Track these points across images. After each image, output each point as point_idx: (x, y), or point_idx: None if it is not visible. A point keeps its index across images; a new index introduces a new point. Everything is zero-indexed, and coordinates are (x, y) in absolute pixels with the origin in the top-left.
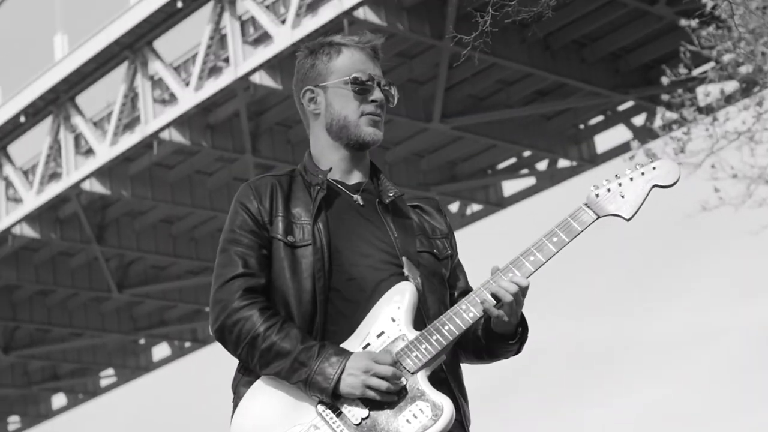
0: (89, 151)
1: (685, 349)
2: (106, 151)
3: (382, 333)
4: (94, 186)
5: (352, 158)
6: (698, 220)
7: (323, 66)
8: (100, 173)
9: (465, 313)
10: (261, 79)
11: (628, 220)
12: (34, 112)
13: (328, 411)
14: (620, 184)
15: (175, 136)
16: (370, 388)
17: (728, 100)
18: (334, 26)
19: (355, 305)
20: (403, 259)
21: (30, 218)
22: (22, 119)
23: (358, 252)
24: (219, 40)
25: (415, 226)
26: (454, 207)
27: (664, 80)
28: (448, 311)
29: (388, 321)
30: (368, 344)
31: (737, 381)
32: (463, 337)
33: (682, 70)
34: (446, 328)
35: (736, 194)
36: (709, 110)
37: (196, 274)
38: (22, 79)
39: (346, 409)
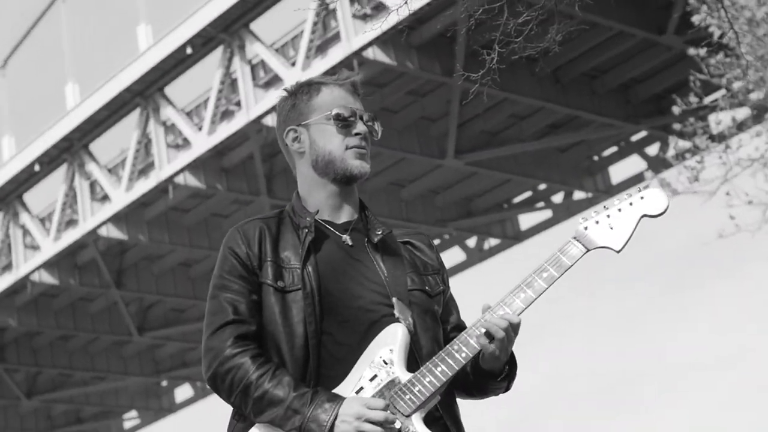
0: (105, 198)
1: (706, 372)
2: (121, 196)
3: (375, 377)
4: (111, 231)
5: (340, 193)
6: (715, 247)
7: (304, 105)
8: (116, 219)
9: (457, 354)
10: (273, 121)
11: (617, 251)
12: (48, 161)
13: None
14: (609, 216)
15: (190, 180)
16: None
17: (740, 127)
18: (343, 67)
19: (348, 348)
20: (394, 299)
21: (48, 265)
22: (37, 168)
23: (349, 293)
24: (230, 84)
25: (406, 264)
26: (471, 242)
27: (675, 109)
28: (441, 352)
29: (381, 364)
30: (361, 388)
31: (757, 404)
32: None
33: (693, 99)
34: (439, 369)
35: (751, 220)
36: (721, 138)
37: None
38: (35, 129)
39: None
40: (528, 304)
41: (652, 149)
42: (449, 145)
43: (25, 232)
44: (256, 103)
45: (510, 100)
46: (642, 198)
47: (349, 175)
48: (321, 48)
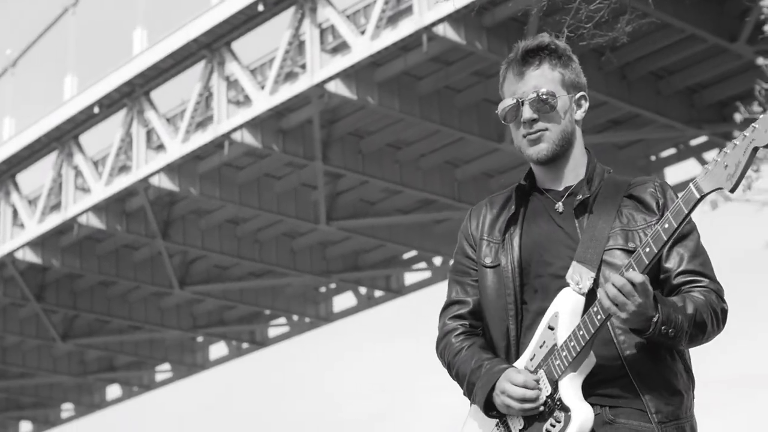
0: (160, 147)
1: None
2: (177, 147)
3: (544, 343)
4: (163, 181)
5: (548, 168)
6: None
7: (500, 91)
8: (169, 169)
9: (595, 316)
10: (336, 87)
11: (730, 191)
12: (108, 104)
13: (500, 423)
14: (725, 153)
15: (246, 137)
16: (508, 407)
17: None
18: (412, 41)
19: (536, 315)
20: (574, 263)
21: (97, 209)
22: (96, 110)
23: (542, 262)
24: (297, 46)
25: (616, 221)
26: None
27: (738, 117)
28: (585, 315)
29: (547, 330)
30: (534, 355)
31: None
32: None
33: (756, 108)
34: (581, 332)
35: None
36: None
37: (258, 276)
38: (98, 71)
39: (510, 421)
40: (651, 259)
41: (711, 155)
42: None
43: (78, 173)
44: (321, 68)
45: None
46: (754, 128)
47: (534, 162)
48: (392, 19)
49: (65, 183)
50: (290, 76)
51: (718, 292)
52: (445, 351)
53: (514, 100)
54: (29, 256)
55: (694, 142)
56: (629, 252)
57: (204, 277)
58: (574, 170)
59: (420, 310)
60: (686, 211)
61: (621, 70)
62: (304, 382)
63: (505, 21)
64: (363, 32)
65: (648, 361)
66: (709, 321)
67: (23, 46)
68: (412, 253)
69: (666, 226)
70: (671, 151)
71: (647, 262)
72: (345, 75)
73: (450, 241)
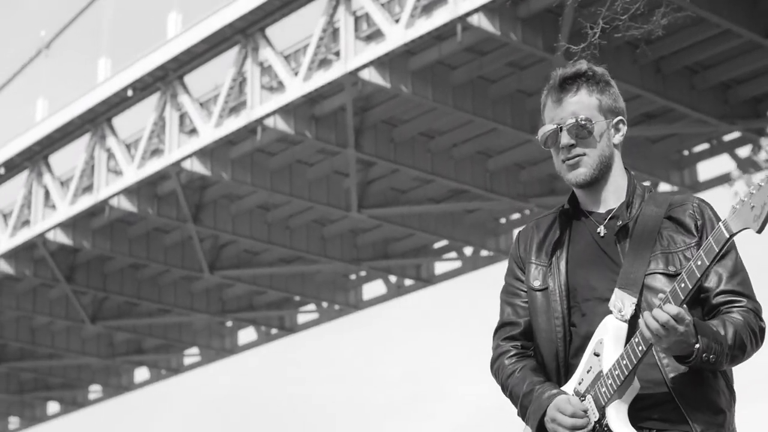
0: (193, 131)
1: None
2: (209, 132)
3: (590, 369)
4: (195, 166)
5: (588, 192)
6: None
7: (542, 117)
8: (201, 153)
9: (637, 347)
10: (370, 75)
11: (757, 232)
12: (141, 87)
13: None
14: (752, 194)
15: (279, 123)
16: None
17: None
18: (447, 30)
19: (584, 339)
20: (616, 289)
21: (128, 191)
22: (130, 93)
23: (588, 287)
24: (332, 33)
25: (657, 245)
26: None
27: None
28: (627, 344)
29: (593, 356)
30: (582, 380)
31: None
32: None
33: None
34: (624, 362)
35: None
36: None
37: (288, 263)
38: (132, 54)
39: None
40: (686, 294)
41: (744, 151)
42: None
43: (110, 155)
44: (356, 55)
45: None
46: None
47: (575, 186)
48: (427, 8)
49: (97, 165)
50: (324, 63)
51: (757, 311)
52: (499, 371)
53: (553, 126)
54: (60, 238)
55: (727, 138)
56: (670, 276)
57: (234, 262)
58: (615, 192)
59: (449, 300)
60: (717, 250)
61: (656, 64)
62: (332, 368)
63: (540, 12)
64: (397, 21)
65: (692, 383)
66: (748, 341)
67: (58, 28)
68: (443, 243)
69: (699, 263)
70: (704, 146)
71: (683, 298)
72: (379, 63)
73: (481, 231)
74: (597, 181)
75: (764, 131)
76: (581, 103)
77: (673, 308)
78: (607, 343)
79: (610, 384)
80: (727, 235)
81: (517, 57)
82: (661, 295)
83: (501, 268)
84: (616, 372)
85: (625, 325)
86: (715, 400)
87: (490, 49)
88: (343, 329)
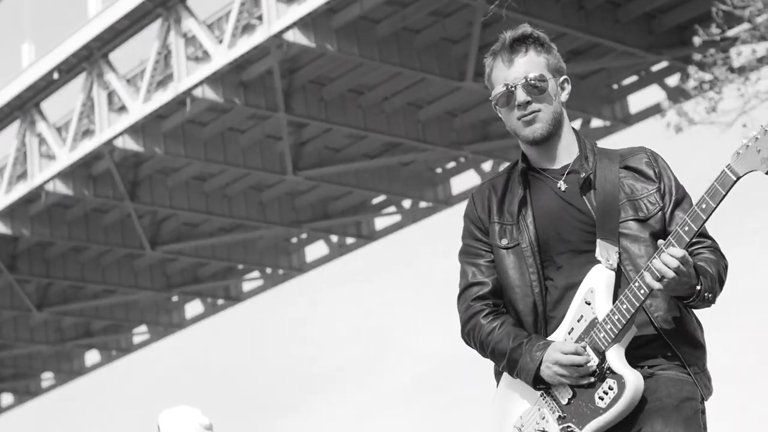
0: (122, 108)
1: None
2: (139, 108)
3: (581, 317)
4: (127, 143)
5: (544, 148)
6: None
7: (488, 80)
8: (133, 130)
9: (638, 291)
10: (294, 36)
11: (766, 173)
12: (67, 69)
13: (545, 394)
14: (756, 138)
15: (208, 93)
16: (561, 376)
17: (761, 60)
18: None
19: (564, 290)
20: (599, 240)
21: (63, 175)
22: (56, 76)
23: (561, 239)
24: None
25: (622, 194)
26: (487, 166)
27: (697, 41)
28: (626, 289)
29: (584, 305)
30: (572, 329)
31: None
32: None
33: (715, 30)
34: (624, 306)
35: None
36: (741, 71)
37: (229, 231)
38: (55, 36)
39: (557, 391)
40: (691, 236)
41: (672, 80)
42: (469, 68)
43: (41, 141)
44: (278, 18)
45: (532, 25)
46: None
47: (530, 142)
48: None
49: (29, 151)
50: (247, 28)
51: (719, 249)
52: (474, 332)
53: (508, 85)
54: None
55: (655, 68)
56: (641, 221)
57: (175, 236)
58: (567, 149)
59: (392, 255)
60: (723, 192)
61: (578, 1)
62: (282, 333)
63: None
64: None
65: (675, 321)
66: (725, 277)
67: None
68: (381, 198)
69: (704, 206)
70: (633, 78)
71: (687, 240)
72: (302, 24)
73: (418, 182)
74: (551, 137)
75: (691, 59)
76: (532, 62)
77: (678, 251)
78: (599, 291)
79: (610, 329)
80: (734, 178)
81: (439, 5)
82: (639, 239)
83: (441, 218)
84: (616, 317)
85: (614, 274)
86: (694, 335)
87: (411, 0)
88: (290, 293)
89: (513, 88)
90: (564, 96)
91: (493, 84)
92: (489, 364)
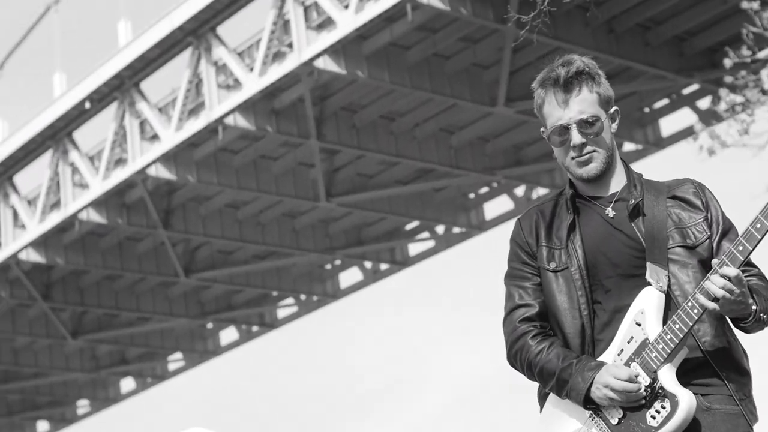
0: (154, 137)
1: None
2: (171, 136)
3: (632, 339)
4: (160, 171)
5: (594, 181)
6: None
7: (539, 111)
8: (165, 159)
9: (691, 311)
10: (325, 63)
11: None
12: (99, 99)
13: (594, 415)
14: None
15: (239, 121)
16: (612, 399)
17: None
18: (397, 11)
19: (613, 313)
20: (648, 263)
21: (96, 204)
22: (87, 105)
23: (610, 263)
24: (282, 25)
25: (669, 221)
26: (519, 191)
27: (727, 63)
28: (679, 309)
29: (634, 326)
30: (622, 350)
31: None
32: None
33: (746, 53)
34: (677, 326)
35: None
36: None
37: (263, 259)
38: (87, 66)
39: (607, 412)
40: (745, 256)
41: (704, 102)
42: (500, 93)
43: (74, 170)
44: (308, 45)
45: (562, 49)
46: None
47: (584, 181)
48: None
49: (63, 180)
50: (278, 56)
51: (765, 277)
52: (522, 352)
53: (561, 126)
54: (33, 257)
55: (686, 91)
56: (689, 248)
57: (209, 264)
58: (616, 178)
59: (426, 280)
60: None
61: (608, 24)
62: (316, 360)
63: None
64: (347, 6)
65: (722, 347)
66: None
67: (8, 48)
68: (414, 224)
69: (758, 226)
70: (664, 101)
71: (741, 259)
72: (332, 50)
73: (451, 208)
74: (604, 174)
75: (722, 81)
76: (585, 101)
77: (732, 270)
78: (650, 313)
79: (662, 348)
80: None
81: (469, 31)
82: (688, 263)
83: (474, 243)
84: (668, 337)
85: (664, 296)
86: (741, 361)
87: (441, 26)
88: (324, 320)
89: (568, 127)
90: (614, 127)
91: (544, 117)
92: (526, 384)
